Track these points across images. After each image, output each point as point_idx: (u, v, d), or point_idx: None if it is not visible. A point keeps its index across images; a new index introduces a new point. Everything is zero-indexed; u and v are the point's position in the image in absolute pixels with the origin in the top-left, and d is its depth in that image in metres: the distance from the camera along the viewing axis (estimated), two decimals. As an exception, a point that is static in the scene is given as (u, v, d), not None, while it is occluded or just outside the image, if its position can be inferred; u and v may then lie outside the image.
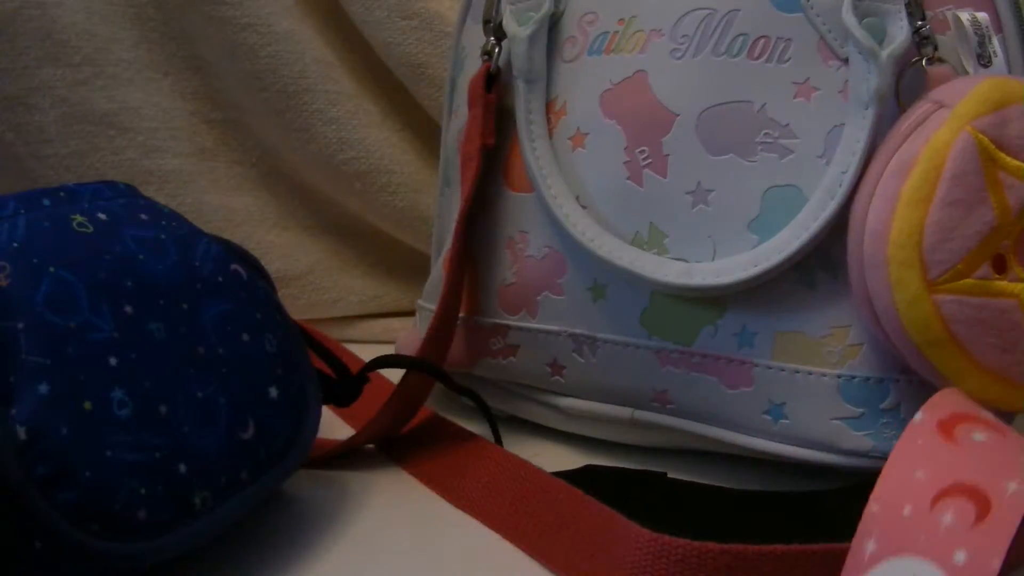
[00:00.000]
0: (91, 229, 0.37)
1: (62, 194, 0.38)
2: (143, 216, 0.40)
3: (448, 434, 0.49)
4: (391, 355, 0.49)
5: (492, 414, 0.49)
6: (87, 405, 0.33)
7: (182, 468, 0.35)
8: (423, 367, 0.48)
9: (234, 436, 0.38)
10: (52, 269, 0.35)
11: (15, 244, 0.35)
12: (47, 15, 0.63)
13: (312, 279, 0.69)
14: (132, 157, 0.66)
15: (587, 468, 0.44)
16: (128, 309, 0.36)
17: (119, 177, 0.66)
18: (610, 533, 0.37)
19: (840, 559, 0.31)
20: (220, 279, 0.41)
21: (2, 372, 0.32)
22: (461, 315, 0.52)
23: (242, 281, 0.42)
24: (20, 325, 0.33)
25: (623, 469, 0.43)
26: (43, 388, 0.32)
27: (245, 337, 0.40)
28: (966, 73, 0.43)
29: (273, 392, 0.41)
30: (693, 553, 0.34)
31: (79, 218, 0.38)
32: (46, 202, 0.37)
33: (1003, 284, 0.40)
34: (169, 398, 0.36)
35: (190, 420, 0.36)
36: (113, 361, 0.35)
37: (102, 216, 0.38)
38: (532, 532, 0.40)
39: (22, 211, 0.36)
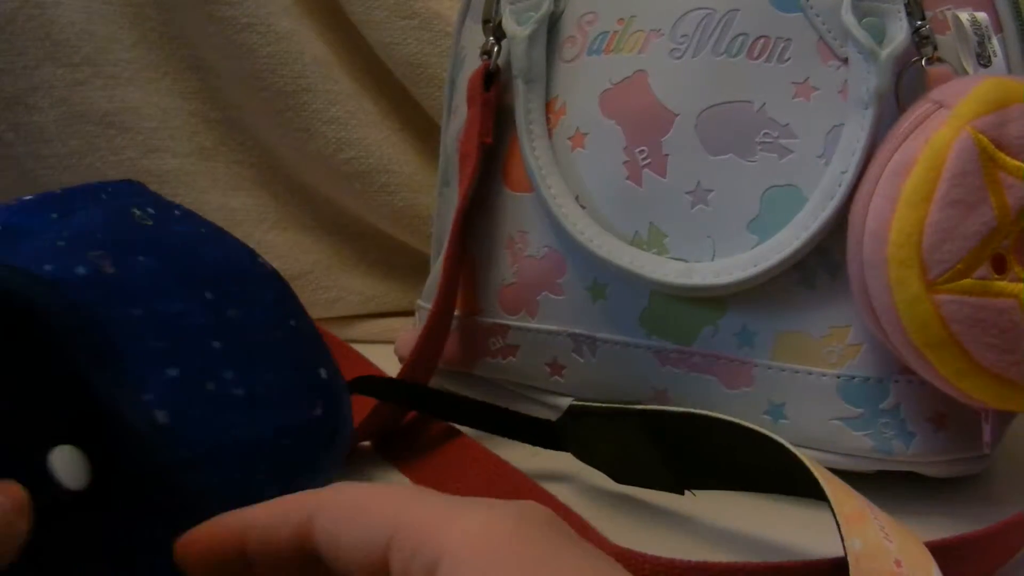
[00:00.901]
0: (150, 222, 0.37)
1: (110, 188, 0.38)
2: (176, 212, 0.40)
3: (439, 431, 0.49)
4: (370, 378, 0.49)
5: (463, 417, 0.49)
6: (210, 386, 0.33)
7: (288, 444, 0.35)
8: (398, 398, 0.48)
9: (312, 415, 0.38)
10: (141, 258, 0.35)
11: (99, 235, 0.34)
12: (47, 15, 0.63)
13: (312, 279, 0.69)
14: (132, 157, 0.66)
15: (570, 408, 0.44)
16: (208, 295, 0.36)
17: (118, 177, 0.66)
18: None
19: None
20: (258, 271, 0.40)
21: (131, 359, 0.32)
22: (461, 315, 0.52)
23: (274, 272, 0.42)
24: (137, 312, 0.32)
25: (602, 406, 0.43)
26: (172, 372, 0.32)
27: (292, 323, 0.40)
28: (966, 73, 0.43)
29: (323, 373, 0.41)
30: (661, 568, 0.34)
31: (137, 211, 0.37)
32: (103, 196, 0.37)
33: (1003, 284, 0.40)
34: (261, 379, 0.36)
35: (279, 400, 0.36)
36: (217, 344, 0.34)
37: (150, 210, 0.38)
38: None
39: (90, 202, 0.36)
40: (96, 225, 0.35)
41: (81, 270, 0.33)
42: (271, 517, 0.24)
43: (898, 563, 0.30)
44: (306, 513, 0.24)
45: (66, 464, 0.29)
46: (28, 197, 0.36)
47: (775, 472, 0.37)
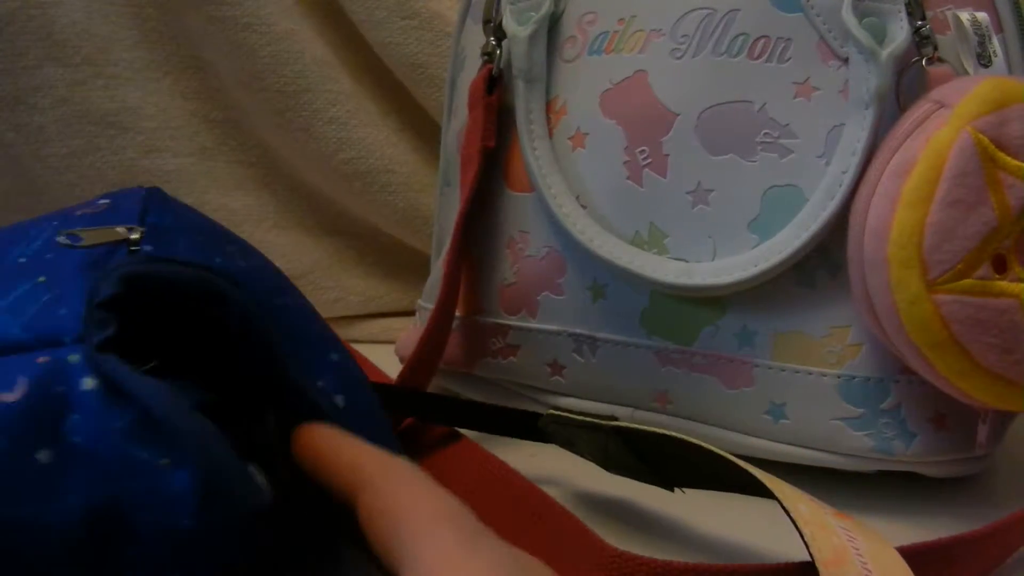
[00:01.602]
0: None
1: (145, 191, 0.36)
2: None
3: (439, 431, 0.49)
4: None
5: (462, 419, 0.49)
6: (351, 368, 0.33)
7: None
8: (400, 407, 0.48)
9: None
10: (252, 250, 0.34)
11: (218, 229, 0.33)
12: (47, 15, 0.63)
13: (312, 279, 0.69)
14: (132, 157, 0.66)
15: (547, 416, 0.44)
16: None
17: (119, 177, 0.67)
18: (577, 544, 0.37)
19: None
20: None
21: (304, 345, 0.31)
22: (462, 315, 0.52)
23: None
24: (288, 301, 0.32)
25: (576, 419, 0.43)
26: (334, 355, 0.32)
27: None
28: (966, 73, 0.43)
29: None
30: (657, 570, 0.34)
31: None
32: (168, 195, 0.36)
33: (1003, 284, 0.40)
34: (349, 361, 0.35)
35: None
36: (324, 329, 0.34)
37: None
38: (500, 534, 0.40)
39: (171, 201, 0.35)
40: (204, 222, 0.34)
41: (241, 263, 0.32)
42: (349, 463, 0.28)
43: None
44: (360, 481, 0.27)
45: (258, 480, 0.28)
46: (104, 199, 0.34)
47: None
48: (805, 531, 0.32)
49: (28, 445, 0.24)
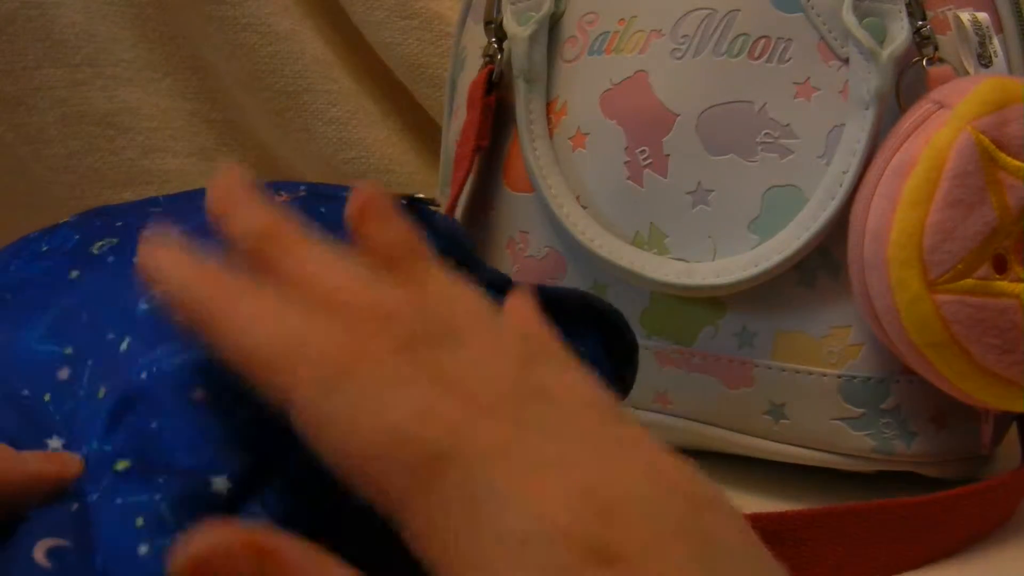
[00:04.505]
0: None
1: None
2: None
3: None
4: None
5: None
6: None
7: None
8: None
9: None
10: None
11: None
12: (47, 15, 0.63)
13: (312, 279, 0.69)
14: (132, 157, 0.66)
15: None
16: None
17: (119, 177, 0.67)
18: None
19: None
20: None
21: None
22: (461, 315, 0.52)
23: None
24: None
25: None
26: None
27: None
28: (966, 73, 0.43)
29: None
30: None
31: None
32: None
33: (1003, 284, 0.40)
34: None
35: None
36: None
37: None
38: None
39: None
40: None
41: None
42: None
43: None
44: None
45: None
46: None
47: None
48: None
49: None
